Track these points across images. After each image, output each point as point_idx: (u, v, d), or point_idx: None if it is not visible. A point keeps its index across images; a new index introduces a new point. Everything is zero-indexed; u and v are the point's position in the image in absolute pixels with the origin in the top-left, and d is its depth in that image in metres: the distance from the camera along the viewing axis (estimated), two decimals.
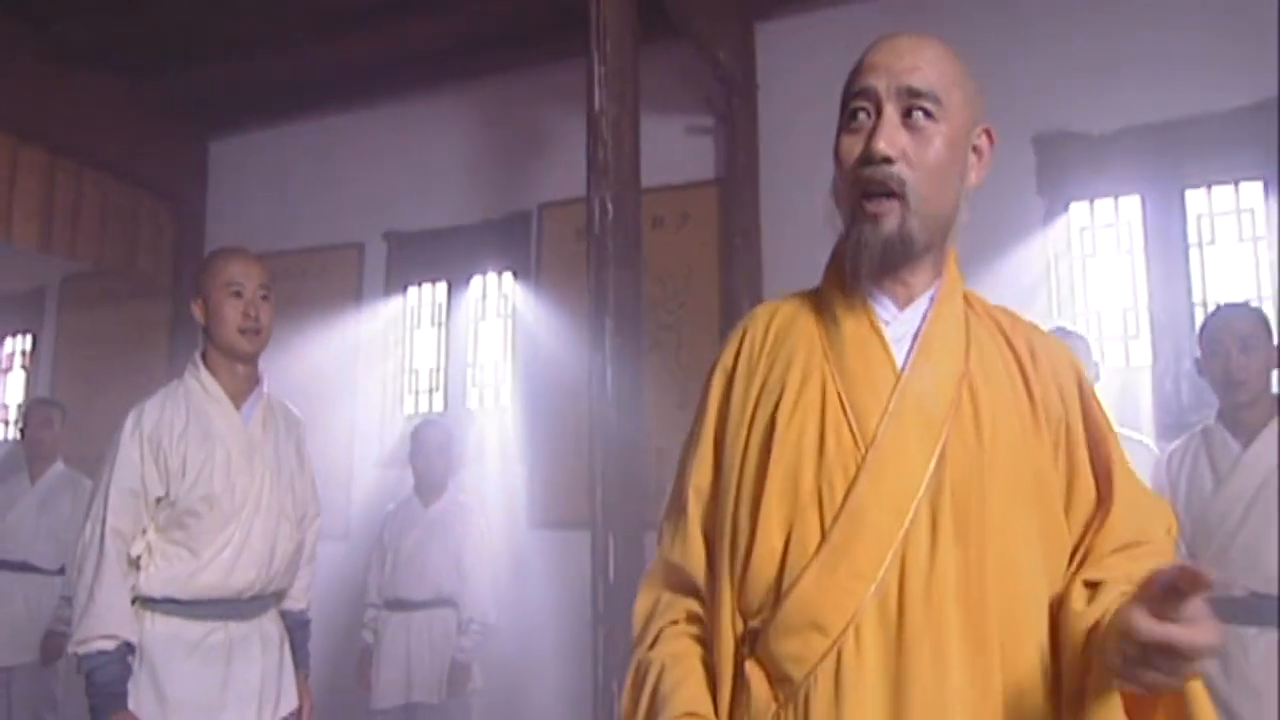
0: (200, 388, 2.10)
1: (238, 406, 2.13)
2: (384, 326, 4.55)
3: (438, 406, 4.46)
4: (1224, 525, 2.31)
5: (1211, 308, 2.87)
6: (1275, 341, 2.39)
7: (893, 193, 0.97)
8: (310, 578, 2.30)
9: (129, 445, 2.00)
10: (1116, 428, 3.16)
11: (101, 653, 1.89)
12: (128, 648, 1.94)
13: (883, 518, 0.95)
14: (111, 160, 4.57)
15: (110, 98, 4.50)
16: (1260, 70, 3.05)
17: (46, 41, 4.15)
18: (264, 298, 2.12)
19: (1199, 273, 3.29)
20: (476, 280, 4.48)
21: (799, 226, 3.86)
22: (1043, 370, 1.05)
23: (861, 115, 0.99)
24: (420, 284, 4.59)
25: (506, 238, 4.34)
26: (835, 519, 0.96)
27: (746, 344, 1.10)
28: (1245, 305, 2.60)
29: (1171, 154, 3.28)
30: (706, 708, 1.00)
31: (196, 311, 2.11)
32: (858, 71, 1.00)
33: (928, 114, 0.98)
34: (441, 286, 4.55)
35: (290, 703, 2.13)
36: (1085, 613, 0.93)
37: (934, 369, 1.01)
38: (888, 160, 0.96)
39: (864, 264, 1.00)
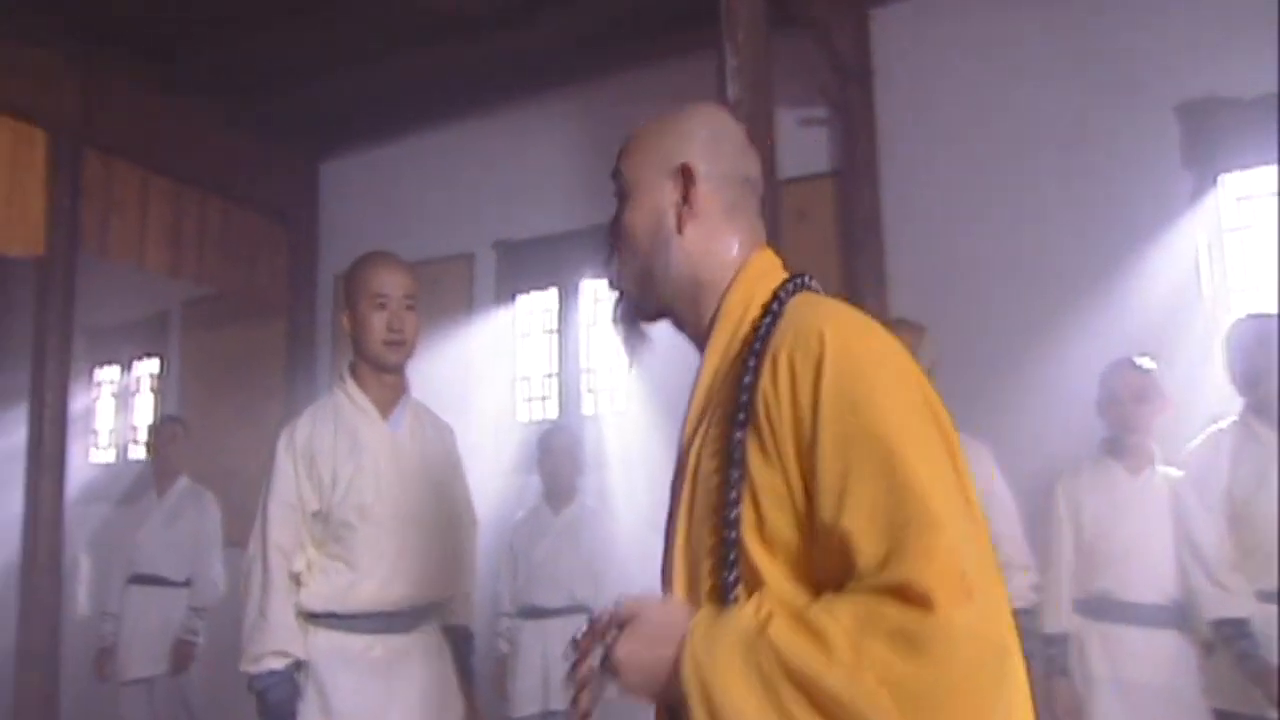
0: (348, 400, 2.10)
1: (385, 416, 2.11)
2: (495, 336, 4.56)
3: (552, 414, 4.44)
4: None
5: None
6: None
7: None
8: (472, 590, 2.27)
9: (284, 460, 2.01)
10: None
11: (273, 672, 1.90)
12: (296, 665, 1.94)
13: None
14: (229, 185, 4.71)
15: (225, 124, 4.63)
16: None
17: (169, 74, 4.28)
18: (409, 307, 2.08)
19: None
20: (587, 285, 4.46)
21: (922, 216, 3.75)
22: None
23: None
24: (530, 291, 4.59)
25: None
26: None
27: None
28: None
29: None
30: None
31: (345, 323, 2.08)
32: None
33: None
34: (552, 293, 4.55)
35: (455, 715, 2.10)
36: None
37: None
38: None
39: None
